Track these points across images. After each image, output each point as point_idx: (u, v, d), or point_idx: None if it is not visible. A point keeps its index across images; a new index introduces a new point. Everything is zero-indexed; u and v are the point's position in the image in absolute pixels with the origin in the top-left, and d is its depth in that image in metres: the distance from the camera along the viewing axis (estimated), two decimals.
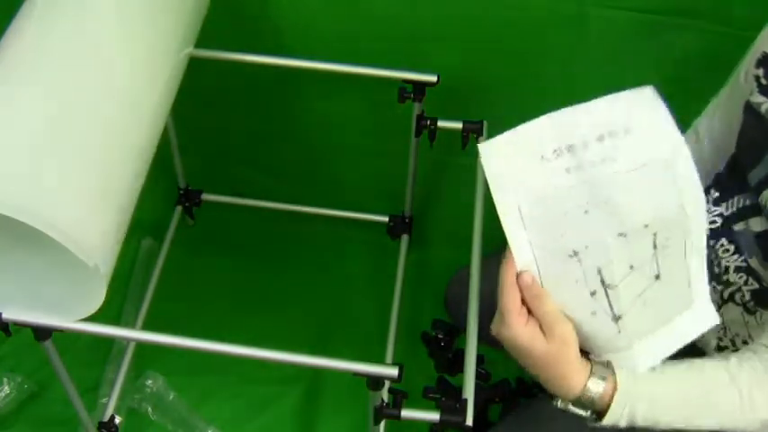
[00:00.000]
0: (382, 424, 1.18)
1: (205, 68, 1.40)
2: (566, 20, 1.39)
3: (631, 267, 0.83)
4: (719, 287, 1.05)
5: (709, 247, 1.07)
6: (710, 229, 1.07)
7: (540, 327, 0.83)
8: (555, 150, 0.80)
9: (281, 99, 1.67)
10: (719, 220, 1.07)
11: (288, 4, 1.48)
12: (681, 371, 0.90)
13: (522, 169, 0.82)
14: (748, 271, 1.02)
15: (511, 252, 0.85)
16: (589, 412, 0.89)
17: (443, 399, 1.09)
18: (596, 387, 0.85)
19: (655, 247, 0.83)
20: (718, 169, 1.15)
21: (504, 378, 1.66)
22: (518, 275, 0.84)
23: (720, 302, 1.06)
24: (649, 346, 0.87)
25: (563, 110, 0.82)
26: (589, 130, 0.82)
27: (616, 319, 0.85)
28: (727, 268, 1.04)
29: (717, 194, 1.09)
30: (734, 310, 1.04)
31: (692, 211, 0.85)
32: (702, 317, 0.88)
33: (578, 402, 0.87)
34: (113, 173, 1.06)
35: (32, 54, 1.05)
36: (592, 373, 0.86)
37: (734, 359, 0.92)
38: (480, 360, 1.67)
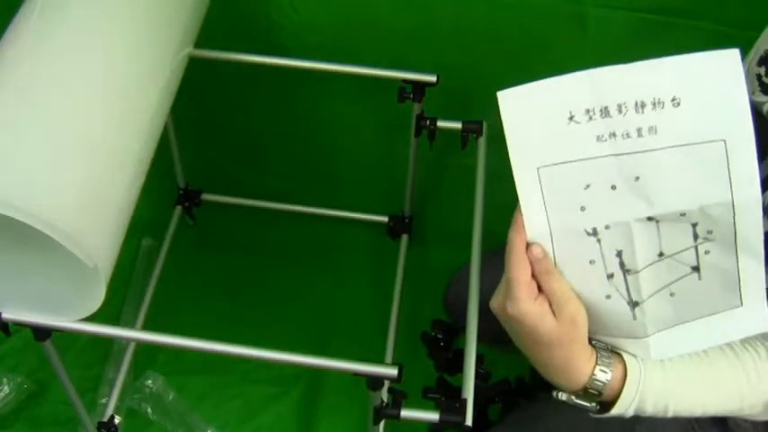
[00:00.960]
0: (382, 424, 1.18)
1: (205, 68, 1.40)
2: (565, 20, 1.39)
3: (660, 255, 0.75)
4: None
5: None
6: None
7: (549, 304, 0.77)
8: (587, 111, 0.71)
9: (281, 99, 1.67)
10: None
11: (288, 4, 1.48)
12: (686, 357, 0.86)
13: (547, 127, 0.73)
14: None
15: (522, 217, 0.76)
16: (593, 403, 0.83)
17: (443, 399, 1.09)
18: (604, 375, 0.80)
19: (696, 237, 0.74)
20: None
21: (504, 378, 1.66)
22: (528, 247, 0.76)
23: None
24: (669, 339, 0.81)
25: (607, 67, 0.72)
26: (631, 93, 0.72)
27: (633, 305, 0.78)
28: None
29: None
30: None
31: (744, 209, 0.73)
32: (753, 321, 0.78)
33: (584, 392, 0.82)
34: (113, 173, 1.06)
35: (32, 55, 1.05)
36: (598, 361, 0.81)
37: (735, 343, 0.87)
38: (480, 360, 1.67)
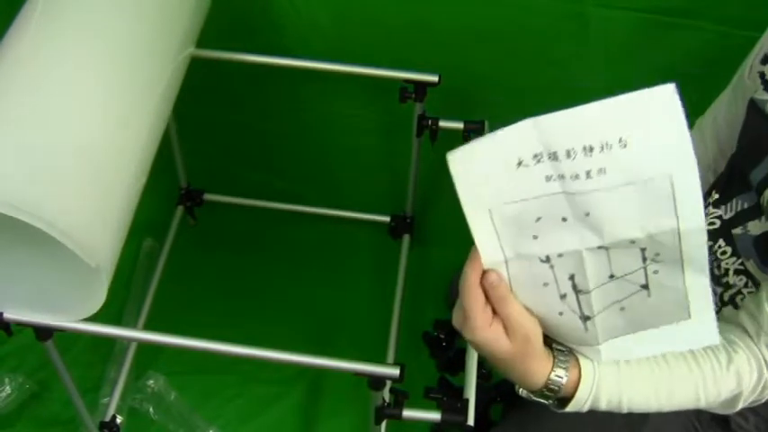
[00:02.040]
0: (383, 424, 1.18)
1: (205, 68, 1.40)
2: (566, 20, 1.39)
3: (611, 276, 0.79)
4: (719, 289, 1.05)
5: (708, 249, 1.07)
6: (709, 231, 1.07)
7: (504, 326, 0.82)
8: (535, 156, 0.73)
9: (283, 99, 1.67)
10: (718, 222, 1.07)
11: (288, 4, 1.48)
12: (644, 360, 0.90)
13: (496, 175, 0.76)
14: (747, 274, 1.02)
15: (477, 251, 0.81)
16: (551, 401, 0.88)
17: (445, 399, 1.09)
18: (560, 376, 0.85)
19: (644, 260, 0.78)
20: (721, 169, 1.15)
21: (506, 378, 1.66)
22: (484, 274, 0.81)
23: (720, 305, 1.05)
24: (619, 346, 0.85)
25: (552, 114, 0.72)
26: (577, 138, 0.73)
27: (585, 319, 0.82)
28: (726, 271, 1.04)
29: (717, 196, 1.09)
30: (733, 313, 1.04)
31: (689, 234, 0.76)
32: (701, 334, 0.82)
33: (542, 391, 0.86)
34: (115, 173, 1.06)
35: (33, 55, 1.06)
36: (555, 363, 0.85)
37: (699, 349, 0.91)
38: (482, 360, 1.67)
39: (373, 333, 1.72)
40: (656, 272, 0.78)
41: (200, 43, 1.35)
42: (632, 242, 0.77)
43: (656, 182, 0.73)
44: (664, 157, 0.72)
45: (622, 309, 0.82)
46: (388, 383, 1.11)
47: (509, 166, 0.75)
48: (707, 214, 1.09)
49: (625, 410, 0.89)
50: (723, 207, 1.07)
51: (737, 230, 1.03)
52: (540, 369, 0.85)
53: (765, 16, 1.11)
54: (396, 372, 1.07)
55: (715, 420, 1.14)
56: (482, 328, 0.81)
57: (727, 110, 1.18)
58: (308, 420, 1.65)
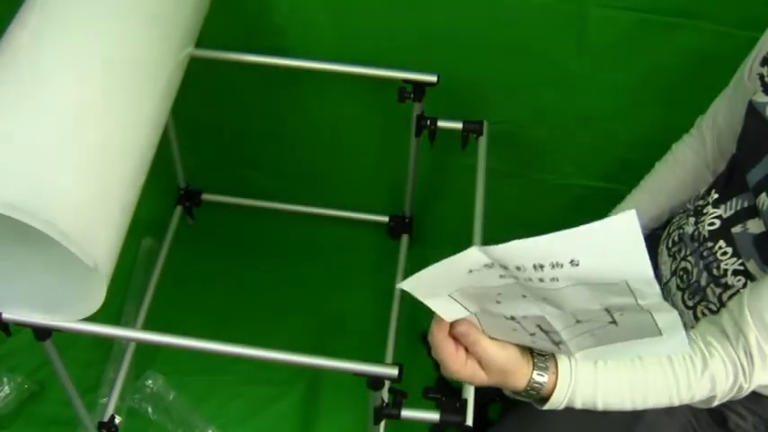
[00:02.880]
0: (382, 424, 1.18)
1: (205, 68, 1.40)
2: (566, 20, 1.39)
3: (578, 321, 0.83)
4: (718, 290, 1.05)
5: (707, 249, 1.07)
6: (709, 231, 1.07)
7: (479, 362, 0.89)
8: (486, 265, 0.76)
9: (282, 99, 1.67)
10: (718, 222, 1.07)
11: (288, 5, 1.48)
12: (620, 362, 0.93)
13: (454, 279, 0.81)
14: (746, 274, 1.01)
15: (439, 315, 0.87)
16: (532, 400, 0.93)
17: (443, 399, 1.09)
18: (540, 378, 0.90)
19: (609, 313, 0.81)
20: (721, 169, 1.15)
21: None
22: (453, 325, 0.88)
23: (718, 305, 1.05)
24: (594, 352, 0.89)
25: (500, 245, 0.74)
26: (526, 260, 0.74)
27: (556, 343, 0.88)
28: (725, 271, 1.04)
29: (716, 196, 1.09)
30: (718, 315, 1.04)
31: (651, 306, 0.78)
32: (671, 346, 0.84)
33: (525, 392, 0.91)
34: (114, 173, 1.06)
35: (32, 55, 1.05)
36: (535, 367, 0.90)
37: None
38: None
39: (372, 333, 1.72)
40: (621, 314, 0.80)
41: (200, 43, 1.35)
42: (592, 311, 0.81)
43: (611, 284, 0.74)
44: (619, 272, 0.73)
45: (593, 335, 0.85)
46: (387, 383, 1.11)
47: (460, 274, 0.79)
48: (706, 214, 1.09)
49: (600, 409, 0.93)
50: (722, 206, 1.07)
51: (737, 229, 1.03)
52: (521, 376, 0.90)
53: (765, 16, 1.11)
54: (394, 372, 1.07)
55: (714, 420, 1.14)
56: (458, 371, 0.89)
57: (726, 110, 1.18)
58: (306, 420, 1.65)
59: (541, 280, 0.75)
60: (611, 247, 0.70)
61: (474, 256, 0.76)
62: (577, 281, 0.74)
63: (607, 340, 0.86)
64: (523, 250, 0.73)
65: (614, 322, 0.81)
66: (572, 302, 0.79)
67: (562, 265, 0.72)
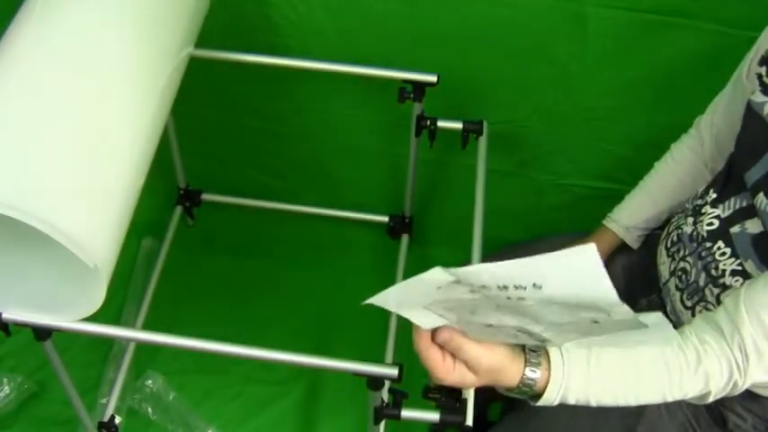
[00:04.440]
0: (382, 424, 1.18)
1: (205, 68, 1.40)
2: (565, 20, 1.39)
3: (559, 324, 0.83)
4: (716, 290, 1.05)
5: (706, 249, 1.07)
6: (708, 231, 1.07)
7: (466, 365, 0.89)
8: (453, 282, 0.78)
9: (281, 99, 1.67)
10: (716, 222, 1.07)
11: (287, 5, 1.48)
12: (615, 354, 0.93)
13: (424, 294, 0.82)
14: (744, 275, 1.02)
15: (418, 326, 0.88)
16: (526, 396, 0.94)
17: (443, 399, 1.09)
18: (532, 374, 0.90)
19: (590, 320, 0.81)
20: (719, 169, 1.15)
21: None
22: (435, 333, 0.89)
23: (717, 305, 1.05)
24: (582, 341, 0.90)
25: (465, 268, 0.75)
26: (492, 281, 0.76)
27: (541, 340, 0.88)
28: (724, 272, 1.04)
29: (715, 195, 1.09)
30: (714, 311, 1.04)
31: (622, 318, 0.79)
32: (658, 333, 0.87)
33: (518, 388, 0.92)
34: (114, 173, 1.06)
35: (32, 55, 1.05)
36: (527, 363, 0.91)
37: (673, 346, 0.93)
38: None
39: (372, 333, 1.72)
40: (603, 317, 0.80)
41: (200, 43, 1.35)
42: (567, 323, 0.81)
43: (580, 303, 0.75)
44: (584, 297, 0.73)
45: (578, 331, 0.85)
46: (387, 383, 1.10)
47: (429, 290, 0.80)
48: (705, 214, 1.09)
49: (594, 405, 0.94)
50: (721, 206, 1.07)
51: (735, 229, 1.03)
52: (512, 373, 0.90)
53: (765, 16, 1.11)
54: (394, 372, 1.07)
55: (713, 420, 1.15)
56: (446, 377, 0.90)
57: (725, 110, 1.18)
58: (306, 420, 1.65)
59: (509, 298, 0.77)
60: (572, 276, 0.71)
61: (439, 275, 0.77)
62: (544, 300, 0.75)
63: (593, 335, 0.85)
64: (485, 274, 0.75)
65: (597, 322, 0.80)
66: (545, 316, 0.80)
67: (525, 288, 0.74)
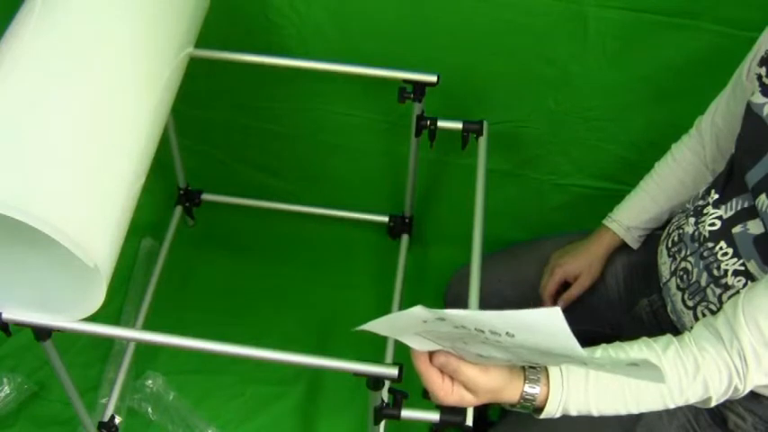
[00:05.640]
0: (382, 424, 1.18)
1: (205, 68, 1.40)
2: (565, 20, 1.39)
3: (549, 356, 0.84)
4: (718, 290, 1.05)
5: (707, 249, 1.07)
6: (710, 232, 1.07)
7: (464, 386, 0.91)
8: (438, 318, 0.79)
9: (282, 99, 1.67)
10: (718, 223, 1.06)
11: (287, 5, 1.48)
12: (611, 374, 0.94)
13: (413, 325, 0.83)
14: (747, 275, 1.01)
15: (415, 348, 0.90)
16: (527, 411, 0.95)
17: None
18: (531, 390, 0.92)
19: None
20: (720, 169, 1.15)
21: None
22: (432, 357, 0.90)
23: (718, 305, 1.05)
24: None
25: (446, 311, 0.78)
26: (469, 324, 0.78)
27: (535, 365, 0.90)
28: (726, 272, 1.04)
29: (716, 196, 1.09)
30: (713, 317, 1.04)
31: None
32: (649, 376, 0.85)
33: (519, 404, 0.93)
34: (114, 173, 1.06)
35: (32, 55, 1.05)
36: (526, 379, 0.92)
37: (671, 352, 0.94)
38: None
39: (372, 333, 1.72)
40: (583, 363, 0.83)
41: (200, 43, 1.35)
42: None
43: (554, 349, 0.77)
44: (555, 348, 0.77)
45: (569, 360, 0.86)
46: (387, 383, 1.10)
47: (416, 323, 0.82)
48: (706, 214, 1.09)
49: (596, 416, 0.95)
50: (723, 207, 1.07)
51: (737, 229, 1.03)
52: (512, 390, 0.92)
53: (765, 17, 1.11)
54: (394, 372, 1.07)
55: (713, 420, 1.15)
56: (445, 397, 0.91)
57: (725, 110, 1.18)
58: (306, 420, 1.65)
59: (487, 338, 0.79)
60: (541, 333, 0.74)
61: (421, 313, 0.79)
62: (520, 345, 0.78)
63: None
64: (463, 318, 0.77)
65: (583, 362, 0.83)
66: (524, 356, 0.82)
67: (500, 334, 0.77)
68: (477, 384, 0.89)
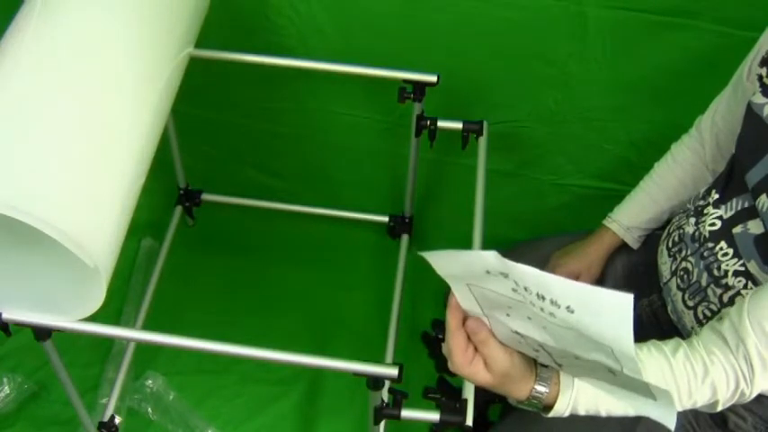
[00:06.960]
0: (382, 424, 1.18)
1: (206, 68, 1.40)
2: (565, 20, 1.39)
3: (577, 357, 0.83)
4: (719, 290, 1.05)
5: (708, 249, 1.07)
6: (710, 232, 1.07)
7: (485, 362, 0.89)
8: (502, 273, 0.78)
9: (281, 99, 1.67)
10: (719, 223, 1.07)
11: (288, 5, 1.48)
12: None
13: (471, 270, 0.82)
14: (747, 275, 1.01)
15: (455, 299, 0.88)
16: (535, 408, 0.94)
17: (443, 399, 1.09)
18: (541, 388, 0.91)
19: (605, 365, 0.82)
20: (720, 169, 1.15)
21: None
22: (466, 320, 0.89)
23: (719, 305, 1.05)
24: (589, 382, 0.91)
25: (517, 264, 0.76)
26: (534, 285, 0.77)
27: (558, 365, 0.89)
28: (726, 272, 1.04)
29: (717, 196, 1.09)
30: (718, 322, 1.04)
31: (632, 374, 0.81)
32: (661, 416, 0.84)
33: (527, 401, 0.92)
34: (114, 173, 1.06)
35: (32, 55, 1.05)
36: (537, 378, 0.91)
37: (680, 355, 0.93)
38: None
39: (372, 333, 1.72)
40: (617, 368, 0.81)
41: (200, 43, 1.35)
42: (577, 358, 0.83)
43: (598, 343, 0.76)
44: (606, 338, 0.75)
45: (592, 372, 0.86)
46: (387, 383, 1.11)
47: (478, 270, 0.80)
48: (707, 214, 1.09)
49: (604, 416, 0.94)
50: (723, 207, 1.07)
51: (738, 230, 1.03)
52: (522, 387, 0.91)
53: (765, 17, 1.11)
54: (394, 372, 1.07)
55: (713, 420, 1.15)
56: (462, 366, 0.89)
57: (725, 110, 1.18)
58: (306, 420, 1.65)
59: (542, 309, 0.77)
60: (604, 314, 0.73)
61: (491, 259, 0.77)
62: (570, 326, 0.77)
63: (604, 381, 0.87)
64: (532, 276, 0.75)
65: (612, 372, 0.82)
66: (562, 342, 0.81)
67: (559, 306, 0.75)
68: (497, 363, 0.88)
